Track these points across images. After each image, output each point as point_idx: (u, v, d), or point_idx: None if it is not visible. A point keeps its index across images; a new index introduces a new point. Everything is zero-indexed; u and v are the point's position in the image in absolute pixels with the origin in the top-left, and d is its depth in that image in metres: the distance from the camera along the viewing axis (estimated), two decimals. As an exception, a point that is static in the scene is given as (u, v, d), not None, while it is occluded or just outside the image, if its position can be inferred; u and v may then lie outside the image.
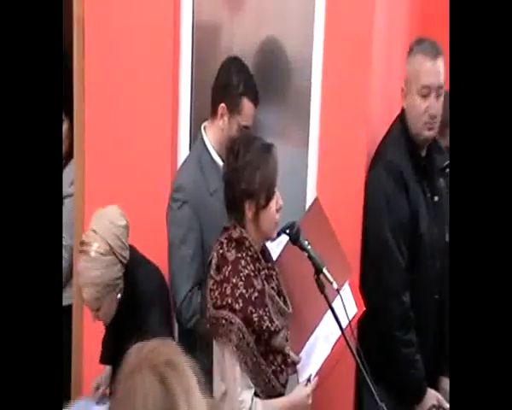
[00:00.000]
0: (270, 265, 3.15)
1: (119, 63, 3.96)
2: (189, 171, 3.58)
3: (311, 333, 3.22)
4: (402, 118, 3.65)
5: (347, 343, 2.99)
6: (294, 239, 3.08)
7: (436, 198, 3.67)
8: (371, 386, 2.98)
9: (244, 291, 2.97)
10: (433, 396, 3.59)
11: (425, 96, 3.52)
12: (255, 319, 2.96)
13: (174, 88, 3.93)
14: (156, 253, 3.72)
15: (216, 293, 3.01)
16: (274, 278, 3.14)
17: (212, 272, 3.07)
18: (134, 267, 3.36)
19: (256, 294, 2.98)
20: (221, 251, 3.07)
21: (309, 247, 3.06)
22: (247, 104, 3.53)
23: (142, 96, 3.92)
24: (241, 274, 3.00)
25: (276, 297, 3.08)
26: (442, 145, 3.79)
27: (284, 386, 3.08)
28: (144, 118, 3.93)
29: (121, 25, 3.95)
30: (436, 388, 3.67)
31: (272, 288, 3.09)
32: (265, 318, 2.98)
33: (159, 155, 3.93)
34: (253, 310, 2.96)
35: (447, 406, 3.57)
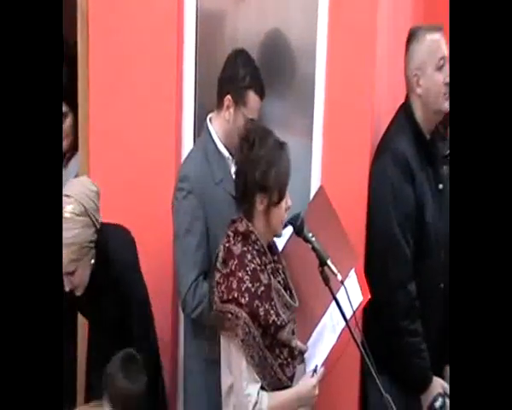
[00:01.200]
0: (276, 258, 3.16)
1: (122, 55, 3.96)
2: (195, 161, 3.59)
3: (317, 323, 3.23)
4: (407, 106, 3.67)
5: (352, 334, 3.00)
6: (298, 231, 3.09)
7: (440, 186, 3.68)
8: (376, 378, 2.99)
9: (250, 285, 2.97)
10: (438, 385, 3.61)
11: (441, 68, 3.57)
12: (261, 313, 2.96)
13: (178, 80, 3.94)
14: (161, 246, 3.75)
15: (222, 287, 3.02)
16: (280, 271, 3.15)
17: (218, 266, 3.07)
18: (106, 235, 3.42)
19: (262, 288, 2.99)
20: (227, 244, 3.07)
21: (313, 239, 3.06)
22: (252, 97, 3.54)
23: (146, 87, 3.93)
24: (248, 268, 3.00)
25: (283, 291, 3.09)
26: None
27: (291, 379, 3.09)
28: (148, 110, 3.94)
29: (124, 16, 3.95)
30: (441, 376, 3.68)
31: (278, 282, 3.10)
32: (272, 312, 2.99)
33: (163, 148, 3.94)
34: (260, 304, 2.96)
35: (452, 394, 3.59)
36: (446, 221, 3.61)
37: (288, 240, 3.32)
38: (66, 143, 4.19)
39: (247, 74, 3.54)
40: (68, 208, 3.28)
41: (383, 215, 3.56)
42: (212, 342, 3.15)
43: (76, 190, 3.35)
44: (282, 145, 3.07)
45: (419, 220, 3.57)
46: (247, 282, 2.98)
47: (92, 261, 3.37)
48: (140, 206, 3.91)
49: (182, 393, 3.89)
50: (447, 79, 3.56)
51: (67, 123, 4.19)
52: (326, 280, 3.02)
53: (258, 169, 2.98)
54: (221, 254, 3.09)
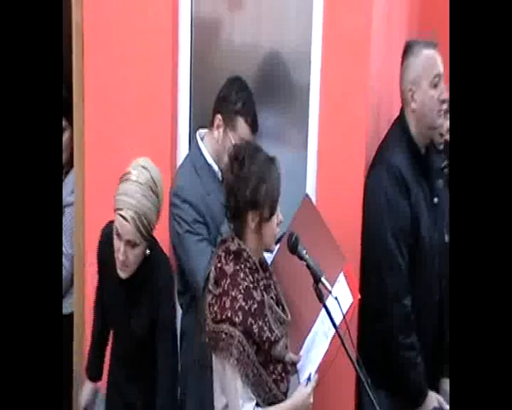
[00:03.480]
0: (268, 274, 3.16)
1: (117, 66, 3.97)
2: (185, 175, 3.64)
3: (309, 331, 3.23)
4: (401, 120, 3.66)
5: (343, 344, 2.99)
6: (292, 249, 3.09)
7: (436, 200, 3.68)
8: (369, 391, 2.99)
9: (244, 304, 2.96)
10: (434, 399, 3.60)
11: (436, 86, 3.57)
12: (255, 331, 2.96)
13: (173, 91, 3.94)
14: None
15: (215, 307, 3.01)
16: (272, 287, 3.15)
17: (210, 287, 3.07)
18: (157, 251, 3.40)
19: (255, 305, 2.98)
20: (219, 265, 3.07)
21: (307, 256, 3.06)
22: (242, 124, 3.57)
23: (141, 99, 3.93)
24: (240, 287, 2.99)
25: (275, 307, 3.09)
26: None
27: (285, 394, 3.09)
28: (143, 122, 3.94)
29: (119, 28, 3.96)
30: (437, 389, 3.68)
31: (271, 297, 3.10)
32: (265, 328, 2.99)
33: (158, 160, 3.91)
34: (253, 322, 2.96)
35: (447, 407, 3.58)
36: (441, 234, 3.66)
37: (277, 251, 3.32)
38: (64, 156, 4.18)
39: (239, 100, 3.57)
40: (144, 177, 3.26)
41: (378, 228, 3.56)
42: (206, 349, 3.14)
43: (151, 166, 3.33)
44: (271, 160, 3.07)
45: (414, 234, 3.57)
46: (241, 300, 2.97)
47: (148, 252, 3.33)
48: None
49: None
50: (442, 96, 3.57)
51: (65, 137, 4.18)
52: (321, 297, 3.01)
53: (249, 187, 2.98)
54: (212, 275, 3.08)
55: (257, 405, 3.01)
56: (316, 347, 3.17)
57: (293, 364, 3.16)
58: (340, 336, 3.02)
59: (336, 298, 3.01)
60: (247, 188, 2.98)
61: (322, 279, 3.01)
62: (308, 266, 3.05)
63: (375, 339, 3.57)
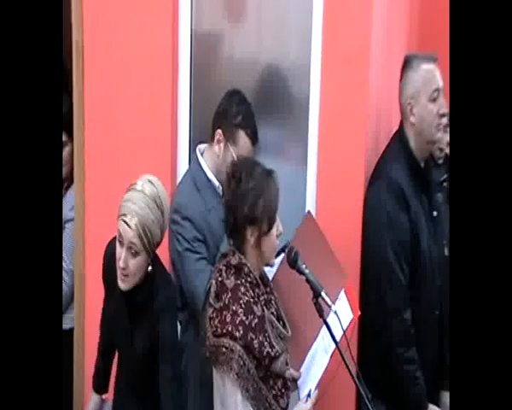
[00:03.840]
0: (268, 290, 3.16)
1: (117, 80, 3.99)
2: (185, 191, 3.64)
3: (310, 348, 3.23)
4: (401, 134, 3.67)
5: (343, 360, 3.01)
6: (292, 263, 3.09)
7: (435, 213, 3.68)
8: (368, 403, 3.01)
9: (244, 318, 2.97)
10: (433, 412, 3.61)
11: (435, 100, 3.58)
12: (256, 346, 2.96)
13: (173, 105, 3.96)
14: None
15: (216, 321, 3.01)
16: (273, 302, 3.15)
17: (211, 300, 3.07)
18: (159, 270, 3.37)
19: (256, 320, 2.98)
20: (220, 279, 3.07)
21: (307, 271, 3.07)
22: (243, 138, 3.57)
23: (142, 113, 3.94)
24: (241, 301, 3.00)
25: (276, 322, 3.08)
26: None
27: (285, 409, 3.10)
28: (143, 137, 3.95)
29: (119, 41, 3.97)
30: (437, 403, 3.68)
31: (272, 313, 3.10)
32: (266, 343, 2.99)
33: (158, 175, 3.92)
34: (254, 337, 2.96)
35: (447, 421, 3.60)
36: (441, 248, 3.67)
37: (279, 267, 3.32)
38: (65, 171, 4.19)
39: (240, 113, 3.57)
40: (149, 190, 3.23)
41: (378, 243, 3.56)
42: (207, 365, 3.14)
43: (158, 184, 3.29)
44: (269, 173, 3.08)
45: (414, 248, 3.57)
46: (241, 315, 2.97)
47: (150, 268, 3.30)
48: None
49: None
50: (441, 111, 3.58)
51: (66, 152, 4.19)
52: (320, 312, 3.02)
53: (246, 204, 2.99)
54: (213, 289, 3.08)
55: None
56: (316, 363, 3.18)
57: (294, 380, 3.16)
58: (340, 352, 3.03)
59: (336, 312, 3.02)
60: (244, 205, 2.99)
61: (322, 294, 3.02)
62: (308, 281, 3.05)
63: (375, 353, 3.58)
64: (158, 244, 3.28)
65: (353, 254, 3.64)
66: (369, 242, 3.63)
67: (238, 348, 2.95)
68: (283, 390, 3.08)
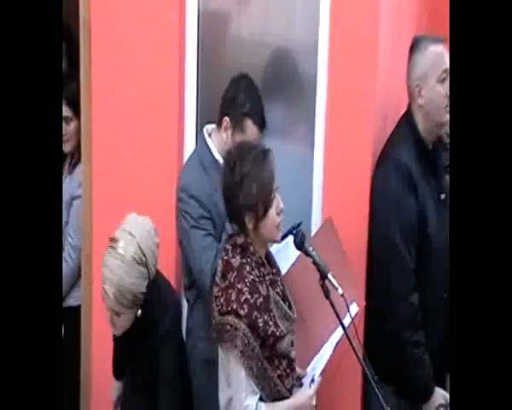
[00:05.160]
0: (274, 270, 3.16)
1: (124, 61, 3.98)
2: (192, 170, 3.64)
3: (319, 351, 3.27)
4: (409, 116, 3.66)
5: (350, 342, 3.03)
6: (299, 245, 3.09)
7: (442, 196, 3.67)
8: (376, 390, 3.00)
9: (249, 297, 2.97)
10: (440, 396, 3.60)
11: (443, 81, 3.56)
12: (260, 325, 2.96)
13: (180, 86, 3.95)
14: (164, 255, 3.73)
15: (221, 299, 3.02)
16: (279, 283, 3.15)
17: (217, 280, 3.08)
18: (155, 289, 3.34)
19: (261, 299, 2.99)
20: (226, 258, 3.07)
21: (313, 252, 3.07)
22: (250, 126, 3.54)
23: (148, 94, 3.93)
24: (246, 280, 3.00)
25: (281, 302, 3.09)
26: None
27: (290, 391, 3.10)
28: (150, 117, 3.94)
29: (126, 22, 3.96)
30: (444, 387, 3.68)
31: (277, 293, 3.10)
32: (270, 323, 2.99)
33: (164, 156, 3.95)
34: (259, 315, 2.96)
35: (454, 404, 3.59)
36: (448, 231, 3.65)
37: (294, 263, 3.30)
38: (71, 146, 4.19)
39: (248, 101, 3.54)
40: (130, 251, 3.20)
41: (385, 226, 3.55)
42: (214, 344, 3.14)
43: (140, 232, 3.26)
44: (264, 153, 3.06)
45: (421, 231, 3.56)
46: (246, 293, 2.97)
47: (139, 312, 3.30)
48: (142, 212, 3.90)
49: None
50: (449, 92, 3.55)
51: (72, 127, 4.20)
52: (327, 293, 3.02)
53: (241, 192, 3.00)
54: (219, 268, 3.09)
55: (261, 399, 3.02)
56: (322, 358, 3.21)
57: (299, 378, 3.18)
58: (347, 335, 3.04)
59: (342, 295, 3.02)
60: (239, 193, 3.00)
61: (329, 276, 3.02)
62: (314, 263, 3.06)
63: (382, 336, 3.57)
64: (140, 299, 3.26)
65: (360, 237, 3.64)
66: (376, 225, 3.62)
67: (243, 326, 2.95)
68: (288, 371, 3.08)
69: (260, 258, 3.07)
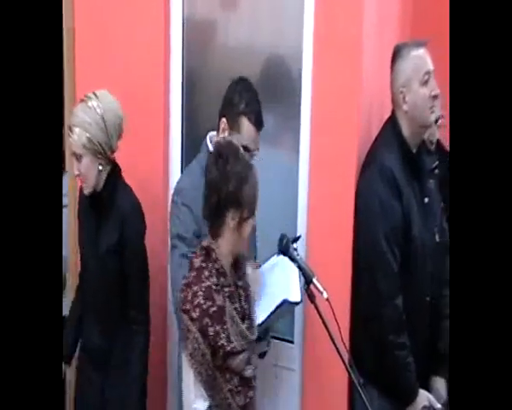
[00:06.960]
0: (240, 284, 3.13)
1: (108, 69, 4.03)
2: (192, 175, 3.61)
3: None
4: (393, 121, 3.67)
5: (334, 345, 3.05)
6: (284, 250, 3.11)
7: (426, 200, 3.69)
8: (362, 393, 3.02)
9: (202, 302, 2.94)
10: (424, 397, 3.61)
11: (426, 83, 3.58)
12: (211, 333, 2.93)
13: (165, 95, 4.01)
14: (153, 258, 3.76)
15: (182, 294, 3.01)
16: (242, 298, 3.12)
17: (186, 273, 3.08)
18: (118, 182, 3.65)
19: (215, 308, 2.96)
20: (193, 255, 3.08)
21: (298, 257, 3.09)
22: (246, 125, 3.54)
23: (133, 103, 3.92)
24: (202, 284, 2.97)
25: (237, 318, 3.04)
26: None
27: (242, 409, 3.07)
28: (135, 125, 3.89)
29: (110, 30, 4.03)
30: (427, 388, 3.70)
31: (235, 308, 3.05)
32: (222, 335, 2.96)
33: (151, 161, 4.00)
34: (210, 323, 2.94)
35: (439, 406, 3.61)
36: (432, 234, 3.68)
37: None
38: None
39: (243, 101, 3.54)
40: (100, 107, 3.54)
41: (370, 230, 3.57)
42: None
43: (107, 102, 3.58)
44: (250, 166, 3.06)
45: (406, 234, 3.57)
46: (200, 298, 2.94)
47: (100, 167, 3.57)
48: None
49: (171, 389, 4.01)
50: (433, 93, 3.58)
51: None
52: (311, 298, 3.04)
53: (234, 184, 2.96)
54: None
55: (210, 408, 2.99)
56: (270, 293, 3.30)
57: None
58: (331, 338, 3.05)
59: (328, 299, 3.04)
60: (230, 185, 2.96)
61: (314, 280, 3.05)
62: (299, 267, 3.08)
63: (366, 339, 3.60)
64: (107, 148, 3.58)
65: (345, 241, 3.65)
66: (361, 228, 3.64)
67: (194, 329, 2.92)
68: (240, 388, 3.05)
69: (222, 267, 3.03)
